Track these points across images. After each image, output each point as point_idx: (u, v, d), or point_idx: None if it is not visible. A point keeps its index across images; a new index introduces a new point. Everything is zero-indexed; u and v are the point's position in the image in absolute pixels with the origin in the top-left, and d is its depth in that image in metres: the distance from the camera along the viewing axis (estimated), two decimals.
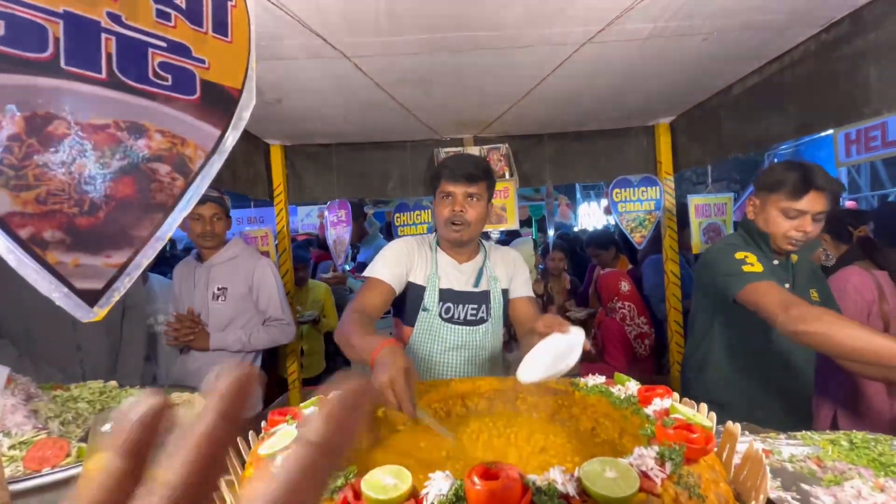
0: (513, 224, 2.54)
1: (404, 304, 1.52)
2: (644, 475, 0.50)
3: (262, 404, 2.20)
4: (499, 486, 0.45)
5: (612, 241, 3.47)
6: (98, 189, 0.59)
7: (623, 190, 2.50)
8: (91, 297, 0.62)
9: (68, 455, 1.06)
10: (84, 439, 1.15)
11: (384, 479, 0.50)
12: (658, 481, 0.49)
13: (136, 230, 0.62)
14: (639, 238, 2.42)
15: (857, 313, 1.76)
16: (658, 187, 2.35)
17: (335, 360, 3.84)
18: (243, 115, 0.82)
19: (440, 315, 1.48)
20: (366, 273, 1.50)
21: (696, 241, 2.85)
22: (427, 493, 0.48)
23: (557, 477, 0.49)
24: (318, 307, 3.44)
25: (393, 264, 1.47)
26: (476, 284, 1.53)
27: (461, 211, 1.42)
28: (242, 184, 2.41)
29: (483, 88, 1.97)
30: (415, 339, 1.50)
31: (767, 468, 0.55)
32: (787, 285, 1.47)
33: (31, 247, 0.56)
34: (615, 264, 3.38)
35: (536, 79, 1.89)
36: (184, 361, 2.07)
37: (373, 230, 3.64)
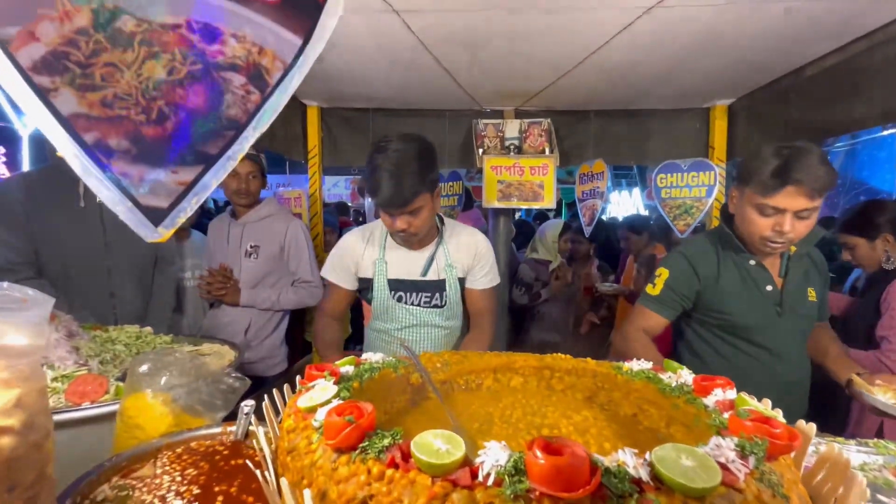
0: (549, 203, 2.45)
1: (362, 290, 1.61)
2: (723, 467, 0.45)
3: (287, 363, 2.24)
4: (566, 463, 0.41)
5: (647, 227, 3.36)
6: (167, 96, 0.54)
7: (669, 175, 2.36)
8: (156, 216, 0.58)
9: (107, 392, 1.09)
10: (122, 378, 1.18)
11: (436, 443, 0.46)
12: (740, 475, 0.44)
13: (206, 146, 0.57)
14: (682, 226, 2.29)
15: None
16: (712, 172, 2.20)
17: (360, 325, 3.89)
18: (328, 24, 0.73)
19: (394, 298, 1.52)
20: (322, 272, 1.63)
21: None
22: (483, 463, 0.44)
23: (628, 459, 0.44)
24: None
25: (339, 268, 1.56)
26: (424, 273, 1.51)
27: (406, 228, 1.37)
28: (279, 143, 2.40)
29: (533, 55, 1.86)
30: (374, 317, 1.60)
31: (861, 477, 0.49)
32: (768, 287, 1.33)
33: (97, 153, 0.52)
34: (647, 252, 3.28)
35: (593, 47, 1.76)
36: (215, 315, 2.11)
37: None
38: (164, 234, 0.58)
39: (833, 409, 1.88)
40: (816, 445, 0.78)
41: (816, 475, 0.59)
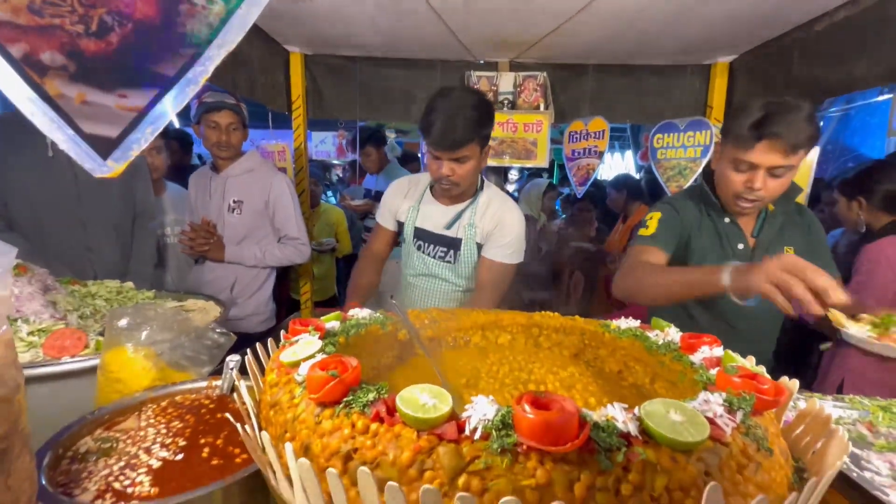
0: (542, 162, 2.39)
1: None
2: (711, 422, 0.45)
3: (275, 320, 2.23)
4: (555, 417, 0.40)
5: (626, 184, 3.37)
6: (109, 3, 0.45)
7: (666, 135, 2.30)
8: (103, 147, 0.48)
9: (87, 346, 1.07)
10: (102, 333, 1.15)
11: (422, 398, 0.45)
12: (727, 430, 0.44)
13: (160, 66, 0.48)
14: (674, 188, 2.27)
15: (885, 284, 1.66)
16: (709, 132, 2.15)
17: (346, 284, 3.90)
18: None
19: (415, 245, 1.63)
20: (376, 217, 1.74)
21: None
22: (470, 417, 0.43)
23: (617, 414, 0.43)
24: (330, 231, 3.41)
25: (386, 209, 1.69)
26: (448, 227, 1.56)
27: (449, 175, 1.42)
28: (260, 92, 2.26)
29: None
30: (402, 261, 1.72)
31: (842, 432, 0.50)
32: (740, 245, 1.34)
33: (26, 69, 0.44)
34: (631, 209, 3.32)
35: None
36: (200, 271, 2.07)
37: (392, 155, 3.52)
38: (115, 167, 0.49)
39: (801, 365, 1.95)
40: (794, 401, 0.80)
41: (796, 429, 0.60)
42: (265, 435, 0.44)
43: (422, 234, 1.60)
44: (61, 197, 1.74)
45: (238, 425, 0.45)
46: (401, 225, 1.66)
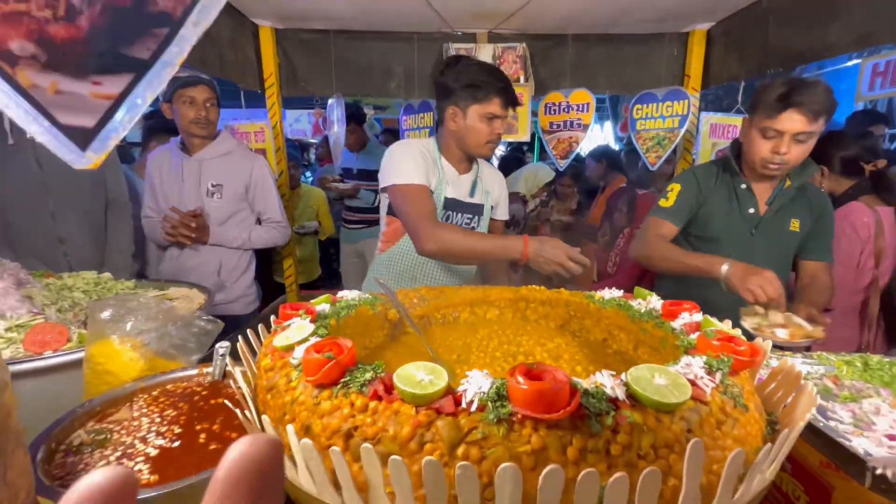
0: (523, 136, 2.38)
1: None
2: (692, 383, 0.47)
3: (258, 303, 2.22)
4: (548, 387, 0.42)
5: (605, 154, 3.42)
6: None
7: (645, 106, 2.31)
8: (81, 138, 0.45)
9: (69, 340, 1.05)
10: (85, 325, 1.13)
11: (418, 374, 0.46)
12: (707, 390, 0.47)
13: (133, 49, 0.45)
14: (653, 159, 2.30)
15: (850, 250, 1.74)
16: (686, 101, 2.17)
17: (329, 266, 3.87)
18: None
19: (443, 217, 1.52)
20: (401, 180, 1.39)
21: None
22: (466, 391, 0.45)
23: (605, 381, 0.45)
24: (312, 214, 3.35)
25: (422, 169, 1.42)
26: (471, 195, 1.56)
27: (500, 134, 1.46)
28: (230, 69, 2.17)
29: None
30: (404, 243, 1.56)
31: (811, 387, 0.53)
32: (750, 210, 1.48)
33: None
34: (609, 179, 3.38)
35: None
36: (182, 257, 2.02)
37: (372, 133, 3.45)
38: (94, 159, 0.46)
39: None
40: (767, 361, 0.85)
41: (769, 385, 0.64)
42: (265, 418, 0.45)
43: (452, 205, 1.50)
44: (26, 187, 1.67)
45: (238, 411, 0.46)
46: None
